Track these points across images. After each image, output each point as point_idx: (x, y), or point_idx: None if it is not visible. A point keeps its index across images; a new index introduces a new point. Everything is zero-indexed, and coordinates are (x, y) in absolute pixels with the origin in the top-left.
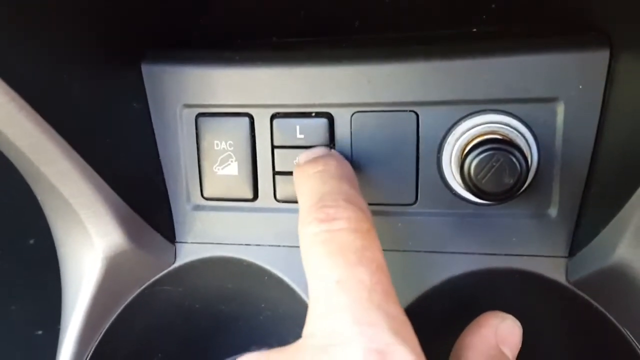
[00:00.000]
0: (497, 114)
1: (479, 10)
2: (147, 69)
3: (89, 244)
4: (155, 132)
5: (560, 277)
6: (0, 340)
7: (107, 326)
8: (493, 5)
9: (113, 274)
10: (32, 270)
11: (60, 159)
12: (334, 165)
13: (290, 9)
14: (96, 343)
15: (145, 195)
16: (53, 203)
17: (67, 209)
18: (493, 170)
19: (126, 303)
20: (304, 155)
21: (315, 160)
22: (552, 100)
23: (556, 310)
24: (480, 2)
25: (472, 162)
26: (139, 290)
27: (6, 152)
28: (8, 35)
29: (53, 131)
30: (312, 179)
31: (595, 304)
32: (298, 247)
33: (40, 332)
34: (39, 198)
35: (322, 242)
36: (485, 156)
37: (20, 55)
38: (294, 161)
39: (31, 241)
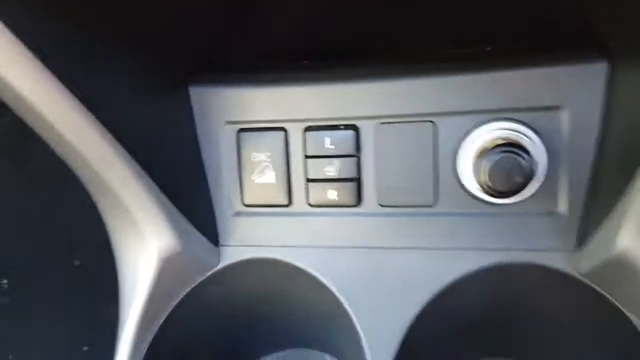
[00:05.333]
0: (508, 121)
1: (490, 30)
2: (194, 91)
3: (144, 246)
4: (201, 146)
5: (570, 268)
6: (48, 357)
7: (160, 322)
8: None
9: (166, 274)
10: (78, 290)
11: (122, 168)
12: None
13: (318, 35)
14: (151, 337)
15: (192, 203)
16: (113, 209)
17: (125, 214)
18: (505, 171)
19: (177, 301)
20: None
21: None
22: (557, 108)
23: (566, 298)
24: (491, 24)
25: (486, 165)
26: (188, 290)
27: (74, 164)
28: (87, 68)
29: (118, 144)
30: None
31: (602, 290)
32: (330, 247)
33: (85, 349)
34: (99, 207)
35: None
36: (498, 159)
37: (95, 83)
38: (324, 169)
39: (76, 262)
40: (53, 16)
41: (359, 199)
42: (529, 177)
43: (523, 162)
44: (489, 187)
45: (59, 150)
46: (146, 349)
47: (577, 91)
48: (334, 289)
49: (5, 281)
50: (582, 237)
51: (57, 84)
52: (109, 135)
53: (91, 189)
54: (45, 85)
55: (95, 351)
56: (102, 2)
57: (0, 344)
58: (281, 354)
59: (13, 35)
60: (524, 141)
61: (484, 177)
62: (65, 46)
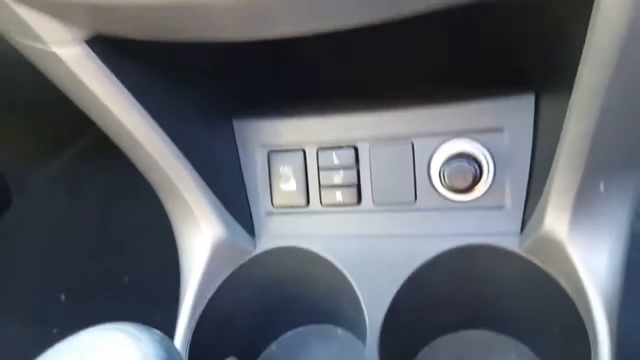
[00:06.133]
0: (464, 139)
1: (452, 72)
2: (236, 123)
3: (201, 234)
4: (242, 162)
5: (515, 248)
6: None
7: (211, 295)
8: (461, 70)
9: (215, 257)
10: (127, 304)
11: (188, 177)
12: None
13: (328, 80)
14: (204, 307)
15: (235, 203)
16: (179, 207)
17: (188, 210)
18: (461, 174)
19: (225, 277)
20: None
21: None
22: (500, 129)
23: (514, 271)
24: (453, 69)
25: (448, 171)
26: (232, 269)
27: (155, 175)
28: (169, 106)
29: (187, 160)
30: None
31: (539, 263)
32: (338, 236)
33: None
34: (166, 207)
35: None
36: (456, 166)
37: (173, 117)
38: (333, 178)
39: (125, 279)
40: (153, 72)
41: (359, 200)
42: (477, 178)
43: (473, 167)
44: (451, 186)
45: (143, 165)
46: (198, 316)
47: (513, 117)
48: (341, 267)
49: (62, 295)
50: (524, 223)
51: (150, 120)
52: (181, 154)
53: (162, 194)
54: (142, 120)
55: None
56: (183, 66)
57: None
58: (301, 329)
59: (130, 93)
60: (475, 153)
61: (447, 179)
62: (157, 92)
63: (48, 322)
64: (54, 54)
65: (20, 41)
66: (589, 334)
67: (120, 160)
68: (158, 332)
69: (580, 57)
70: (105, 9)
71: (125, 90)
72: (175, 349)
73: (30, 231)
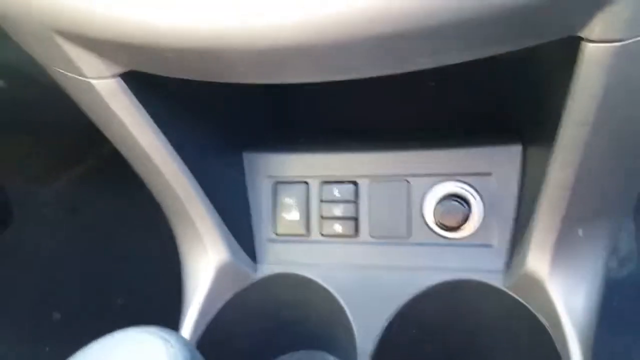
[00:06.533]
0: (456, 181)
1: (447, 119)
2: (246, 156)
3: (206, 257)
4: (248, 191)
5: (500, 284)
6: None
7: (212, 315)
8: (455, 118)
9: (219, 279)
10: (120, 326)
11: (199, 203)
12: None
13: (330, 119)
14: (204, 327)
15: (240, 230)
16: (187, 230)
17: (195, 234)
18: (451, 213)
19: (226, 300)
20: None
21: None
22: (489, 174)
23: (498, 306)
24: (449, 117)
25: (440, 209)
26: (234, 293)
27: (167, 200)
28: (186, 138)
29: (199, 187)
30: None
31: (521, 300)
32: (336, 265)
33: None
34: (175, 231)
35: None
36: (448, 205)
37: (189, 147)
38: (333, 210)
39: (119, 301)
40: (178, 107)
41: (356, 232)
42: (467, 218)
43: (463, 207)
44: (442, 224)
45: (159, 190)
46: (199, 337)
47: (502, 164)
48: (336, 295)
49: (58, 315)
50: (509, 261)
51: (172, 150)
52: (195, 182)
53: (173, 218)
54: (164, 150)
55: None
56: (204, 102)
57: None
58: (295, 354)
59: (156, 124)
60: (465, 194)
61: (439, 217)
62: (180, 125)
63: (42, 340)
64: (89, 84)
65: (59, 71)
66: None
67: (121, 186)
68: (182, 335)
69: (562, 114)
70: (141, 49)
71: (152, 121)
72: (198, 353)
73: (29, 250)
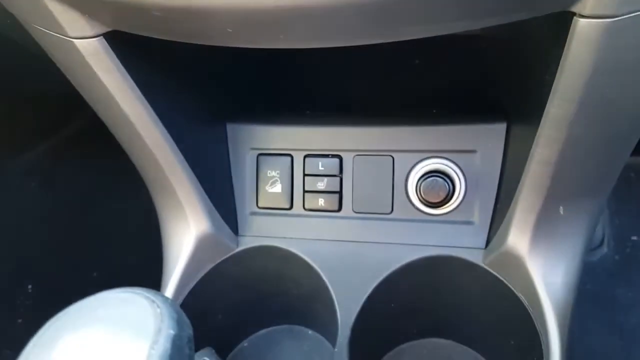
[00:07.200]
0: (440, 158)
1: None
2: (229, 126)
3: (187, 227)
4: (232, 163)
5: (480, 261)
6: None
7: (192, 286)
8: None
9: (200, 249)
10: None
11: (181, 172)
12: None
13: (316, 94)
14: (184, 297)
15: (222, 201)
16: (168, 200)
17: (177, 204)
18: (434, 189)
19: (206, 271)
20: None
21: None
22: (473, 151)
23: (477, 283)
24: (434, 94)
25: (423, 185)
26: (214, 264)
27: (148, 167)
28: (171, 106)
29: (182, 156)
30: None
31: (501, 277)
32: (318, 239)
33: None
34: (155, 200)
35: None
36: (430, 181)
37: (173, 115)
38: (317, 184)
39: (95, 274)
40: (162, 71)
41: (339, 206)
42: (450, 194)
43: (446, 184)
44: (425, 200)
45: (140, 158)
46: (180, 302)
47: (486, 141)
48: (317, 268)
49: (30, 286)
50: (489, 239)
51: (154, 116)
52: (178, 151)
53: (154, 187)
54: (146, 115)
55: None
56: (188, 68)
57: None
58: (274, 328)
59: (138, 88)
60: (449, 171)
61: (422, 193)
62: (163, 90)
63: (15, 312)
64: (71, 43)
65: (40, 30)
66: (542, 346)
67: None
68: (167, 296)
69: (549, 92)
70: (126, 6)
71: (134, 85)
72: (184, 313)
73: (1, 222)
